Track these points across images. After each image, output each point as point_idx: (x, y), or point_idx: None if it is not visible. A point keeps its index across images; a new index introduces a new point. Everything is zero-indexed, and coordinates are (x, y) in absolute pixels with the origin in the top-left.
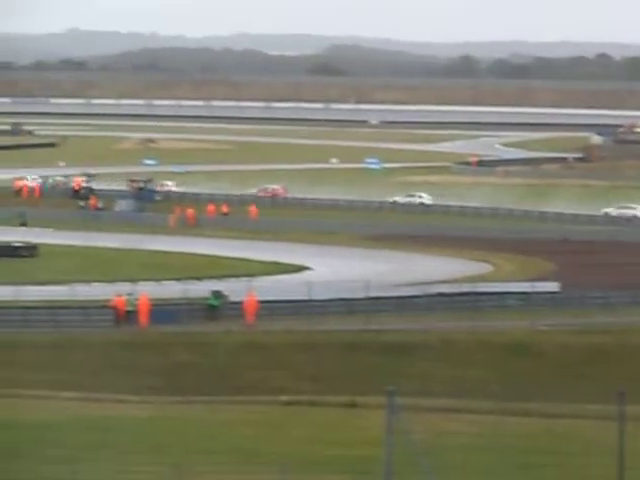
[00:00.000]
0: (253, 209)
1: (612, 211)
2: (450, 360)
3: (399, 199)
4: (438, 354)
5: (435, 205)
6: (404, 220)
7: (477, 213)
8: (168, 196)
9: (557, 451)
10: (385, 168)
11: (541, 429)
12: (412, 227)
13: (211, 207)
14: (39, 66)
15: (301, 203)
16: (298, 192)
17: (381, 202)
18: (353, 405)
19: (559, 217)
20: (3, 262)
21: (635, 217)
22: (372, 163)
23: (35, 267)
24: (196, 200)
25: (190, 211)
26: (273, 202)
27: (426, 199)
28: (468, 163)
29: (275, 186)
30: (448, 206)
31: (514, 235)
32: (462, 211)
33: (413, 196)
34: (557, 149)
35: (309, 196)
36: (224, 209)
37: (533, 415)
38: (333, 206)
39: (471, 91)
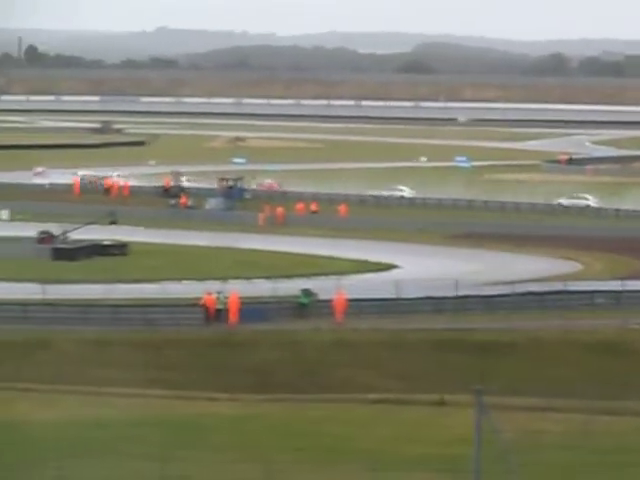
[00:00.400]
0: (343, 207)
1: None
2: (539, 359)
3: (563, 201)
4: (527, 353)
5: (522, 203)
6: (493, 219)
7: (566, 211)
8: (257, 194)
9: None
10: (474, 166)
11: (631, 428)
12: (501, 226)
13: (300, 205)
14: (128, 64)
15: (389, 202)
16: (385, 190)
17: (470, 200)
18: (441, 404)
19: None
20: (94, 261)
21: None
22: (461, 161)
23: (125, 265)
24: (285, 198)
25: (280, 209)
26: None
27: (591, 201)
28: (558, 161)
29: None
30: (535, 204)
31: (603, 233)
32: (550, 209)
33: (578, 198)
34: None
35: (395, 194)
36: (313, 207)
37: (623, 414)
38: (423, 205)
39: (561, 89)
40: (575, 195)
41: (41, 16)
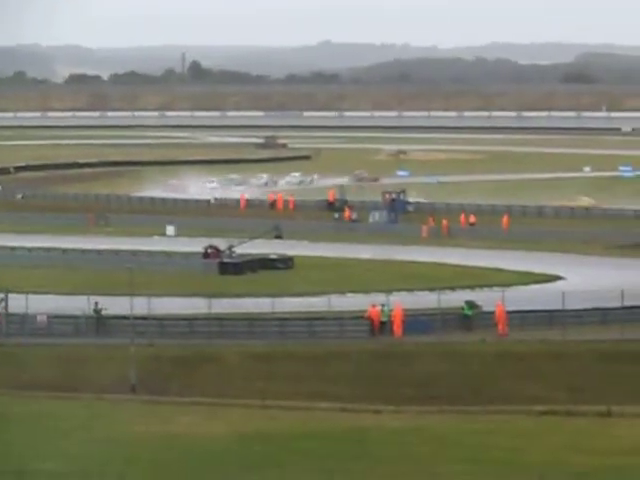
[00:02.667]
0: (505, 219)
1: None
2: None
3: None
4: None
5: None
6: None
7: None
8: (420, 207)
9: None
10: (638, 175)
11: None
12: None
13: (462, 217)
14: (292, 79)
15: (553, 212)
16: (550, 201)
17: (636, 210)
18: (609, 414)
19: None
20: (261, 274)
21: None
22: (626, 171)
23: (291, 279)
24: (448, 210)
25: (443, 222)
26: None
27: None
28: None
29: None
30: None
31: None
32: None
33: None
34: None
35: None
36: (471, 219)
37: None
38: (587, 215)
39: None
40: None
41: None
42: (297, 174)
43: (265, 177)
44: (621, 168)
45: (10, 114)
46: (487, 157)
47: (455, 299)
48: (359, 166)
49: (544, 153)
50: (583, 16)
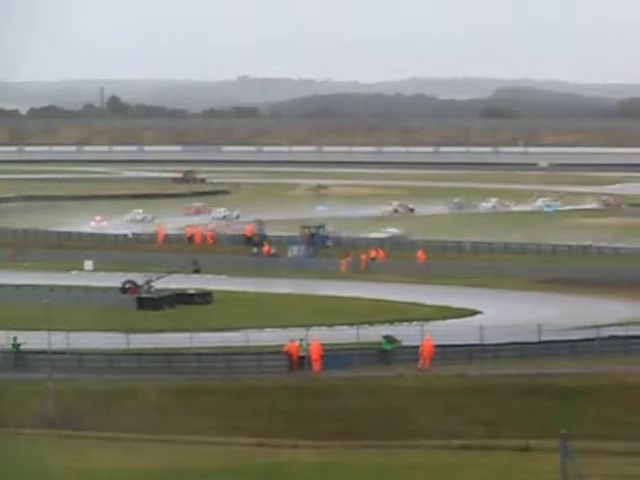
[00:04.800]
0: (420, 253)
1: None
2: (626, 404)
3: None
4: (613, 398)
5: (605, 247)
6: (576, 264)
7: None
8: (339, 242)
9: None
10: (558, 210)
11: None
12: (585, 271)
13: (380, 252)
14: (210, 114)
15: (471, 247)
16: (468, 236)
17: (554, 245)
18: (527, 449)
19: None
20: (179, 309)
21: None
22: (547, 206)
23: (209, 314)
24: (367, 245)
25: (363, 256)
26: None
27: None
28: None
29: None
30: (618, 249)
31: None
32: (635, 254)
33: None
34: None
35: (479, 240)
36: (372, 254)
37: None
38: (505, 250)
39: None
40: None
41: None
42: (222, 209)
43: (141, 212)
44: (541, 203)
45: None
46: (407, 192)
47: (374, 334)
48: (279, 201)
49: (463, 188)
50: (501, 51)
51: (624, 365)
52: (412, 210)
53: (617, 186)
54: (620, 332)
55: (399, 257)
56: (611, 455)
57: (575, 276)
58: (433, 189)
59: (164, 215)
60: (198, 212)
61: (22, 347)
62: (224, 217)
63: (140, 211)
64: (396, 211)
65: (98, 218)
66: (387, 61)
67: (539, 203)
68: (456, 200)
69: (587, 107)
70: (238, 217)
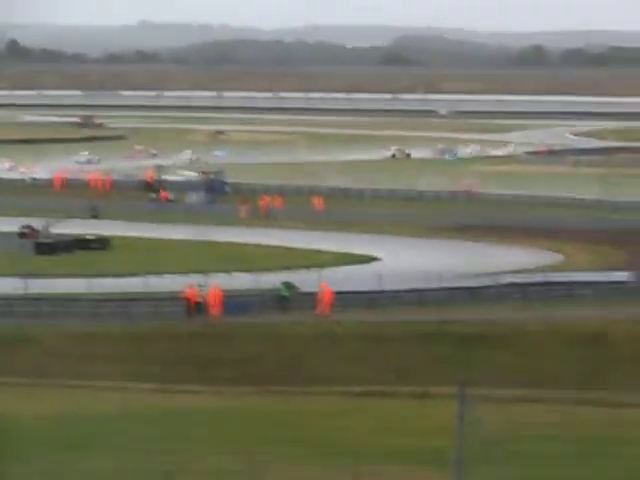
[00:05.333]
0: (317, 200)
1: None
2: (523, 351)
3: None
4: (511, 344)
5: (504, 195)
6: (475, 210)
7: (547, 202)
8: (238, 188)
9: (630, 440)
10: (458, 158)
11: (614, 419)
12: (483, 217)
13: (278, 199)
14: (111, 58)
15: (371, 194)
16: (368, 183)
17: (453, 192)
18: (426, 396)
19: (631, 206)
20: (76, 255)
21: None
22: (448, 153)
23: (107, 259)
24: (266, 191)
25: (262, 203)
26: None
27: None
28: (538, 152)
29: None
30: (517, 195)
31: (586, 225)
32: (531, 201)
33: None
34: (629, 138)
35: (378, 187)
36: (267, 201)
37: (606, 405)
38: (404, 197)
39: (543, 81)
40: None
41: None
42: (85, 153)
43: (86, 154)
44: (440, 149)
45: None
46: (306, 138)
47: (273, 280)
48: (176, 146)
49: (363, 135)
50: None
51: (522, 312)
52: (409, 155)
53: (516, 134)
54: (519, 279)
55: (297, 203)
56: (510, 402)
57: (474, 223)
58: (333, 135)
59: (109, 158)
60: (135, 156)
61: None
62: (88, 161)
63: (86, 153)
64: (394, 156)
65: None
66: (288, 8)
67: (441, 150)
68: (439, 147)
69: (488, 55)
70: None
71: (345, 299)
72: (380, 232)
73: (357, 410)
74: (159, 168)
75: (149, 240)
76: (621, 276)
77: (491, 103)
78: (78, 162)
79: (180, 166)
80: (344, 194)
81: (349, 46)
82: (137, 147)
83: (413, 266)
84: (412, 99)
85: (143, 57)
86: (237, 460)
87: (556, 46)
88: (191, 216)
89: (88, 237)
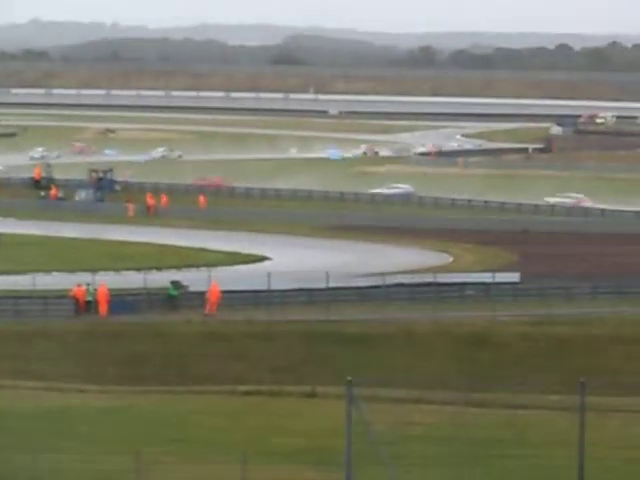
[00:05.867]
0: (202, 199)
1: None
2: (411, 351)
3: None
4: (399, 345)
5: (394, 195)
6: (364, 211)
7: (436, 203)
8: (128, 186)
9: (518, 442)
10: (345, 158)
11: (502, 420)
12: (373, 218)
13: (164, 197)
14: (1, 57)
15: (259, 194)
16: (256, 182)
17: (342, 192)
18: (313, 395)
19: (519, 208)
20: None
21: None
22: (333, 153)
23: None
24: (155, 190)
25: (150, 201)
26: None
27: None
28: (428, 153)
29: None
30: (406, 196)
31: (474, 226)
32: (420, 202)
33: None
34: (518, 140)
35: (267, 186)
36: (163, 200)
37: (494, 406)
38: (292, 196)
39: (432, 82)
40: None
41: None
42: (40, 149)
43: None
44: (328, 150)
45: None
46: (196, 137)
47: (161, 279)
48: (67, 144)
49: (253, 134)
50: None
51: (410, 313)
52: (377, 153)
53: (406, 134)
54: (406, 279)
55: (183, 202)
56: (397, 402)
57: (363, 223)
58: (223, 134)
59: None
60: (82, 151)
61: None
62: (42, 157)
63: (40, 149)
64: (365, 154)
65: None
66: (176, 6)
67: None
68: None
69: (377, 56)
70: (59, 157)
71: (233, 298)
72: (270, 231)
73: (245, 409)
74: (47, 165)
75: (38, 237)
76: (511, 277)
77: (381, 104)
78: (32, 158)
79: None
80: (230, 193)
81: (236, 44)
82: (78, 144)
83: (303, 265)
84: (303, 99)
85: (33, 55)
86: (124, 459)
87: (443, 47)
88: (80, 214)
89: None
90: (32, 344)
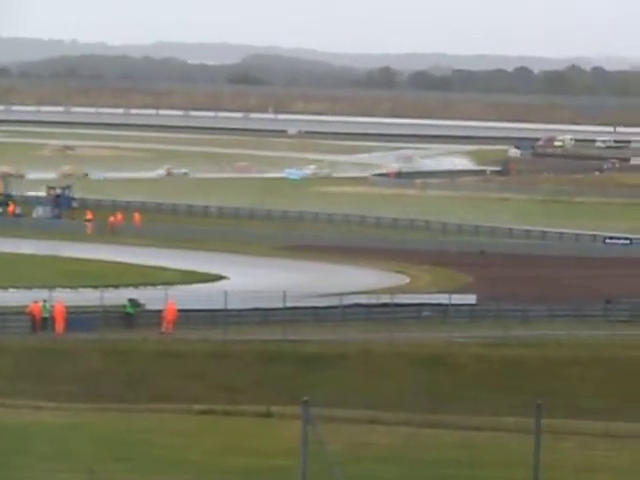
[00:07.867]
0: (137, 216)
1: None
2: (367, 371)
3: None
4: (355, 365)
5: (351, 216)
6: (322, 231)
7: (394, 225)
8: (86, 203)
9: (473, 463)
10: (304, 178)
11: (457, 441)
12: (330, 238)
13: (119, 216)
14: None
15: (216, 212)
16: (214, 201)
17: (300, 212)
18: (268, 415)
19: (476, 230)
20: None
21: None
22: (291, 173)
23: None
24: (114, 207)
25: (110, 218)
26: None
27: None
28: (386, 174)
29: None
30: (364, 217)
31: (431, 247)
32: (378, 222)
33: None
34: (476, 162)
35: (225, 205)
36: (118, 218)
37: (449, 427)
38: (250, 216)
39: (391, 103)
40: None
41: None
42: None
43: None
44: (287, 170)
45: None
46: (155, 155)
47: (118, 297)
48: (25, 160)
49: (212, 153)
50: (249, 18)
51: (366, 333)
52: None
53: (364, 155)
54: (363, 300)
55: (149, 220)
56: (353, 423)
57: (321, 243)
58: (182, 153)
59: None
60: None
61: None
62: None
63: None
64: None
65: None
66: (135, 24)
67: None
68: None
69: (336, 76)
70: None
71: (190, 317)
72: (228, 250)
73: (200, 428)
74: (6, 182)
75: None
76: (468, 298)
77: (340, 124)
78: None
79: None
80: (189, 211)
81: (195, 62)
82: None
83: (260, 285)
84: (262, 118)
85: None
86: (78, 477)
87: (402, 68)
88: (38, 231)
89: None
90: None
